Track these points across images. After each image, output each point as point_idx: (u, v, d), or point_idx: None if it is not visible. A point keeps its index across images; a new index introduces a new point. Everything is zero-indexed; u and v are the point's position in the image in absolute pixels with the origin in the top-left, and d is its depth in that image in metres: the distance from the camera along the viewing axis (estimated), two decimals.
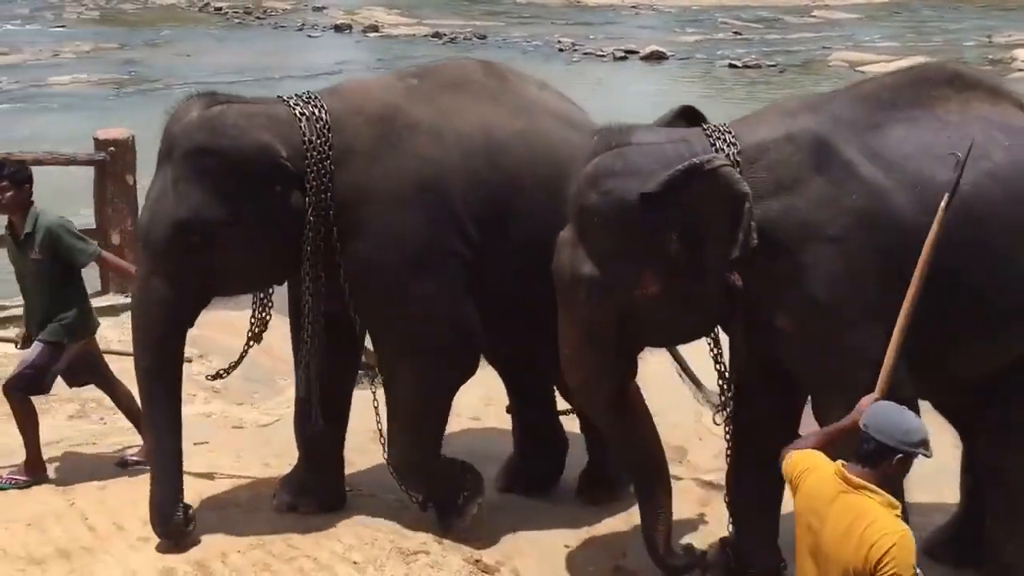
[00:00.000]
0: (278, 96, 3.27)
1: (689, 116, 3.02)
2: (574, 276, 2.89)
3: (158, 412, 3.21)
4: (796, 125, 2.90)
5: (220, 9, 23.07)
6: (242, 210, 3.05)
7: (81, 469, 3.67)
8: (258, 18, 22.90)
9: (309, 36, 20.23)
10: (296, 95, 3.24)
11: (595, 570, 3.30)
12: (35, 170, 3.72)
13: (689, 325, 3.01)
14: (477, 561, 3.24)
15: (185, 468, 3.26)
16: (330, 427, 3.37)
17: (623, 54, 17.35)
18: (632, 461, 3.15)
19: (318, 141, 3.12)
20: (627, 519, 3.50)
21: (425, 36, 19.58)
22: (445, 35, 19.44)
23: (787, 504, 2.61)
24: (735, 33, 19.97)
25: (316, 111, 3.16)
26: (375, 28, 20.52)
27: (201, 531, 3.23)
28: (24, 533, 3.25)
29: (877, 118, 2.91)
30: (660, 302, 2.85)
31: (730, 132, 2.89)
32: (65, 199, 5.29)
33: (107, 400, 3.93)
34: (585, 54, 17.63)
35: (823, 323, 2.81)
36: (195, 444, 3.71)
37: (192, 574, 3.09)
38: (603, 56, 17.39)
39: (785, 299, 2.82)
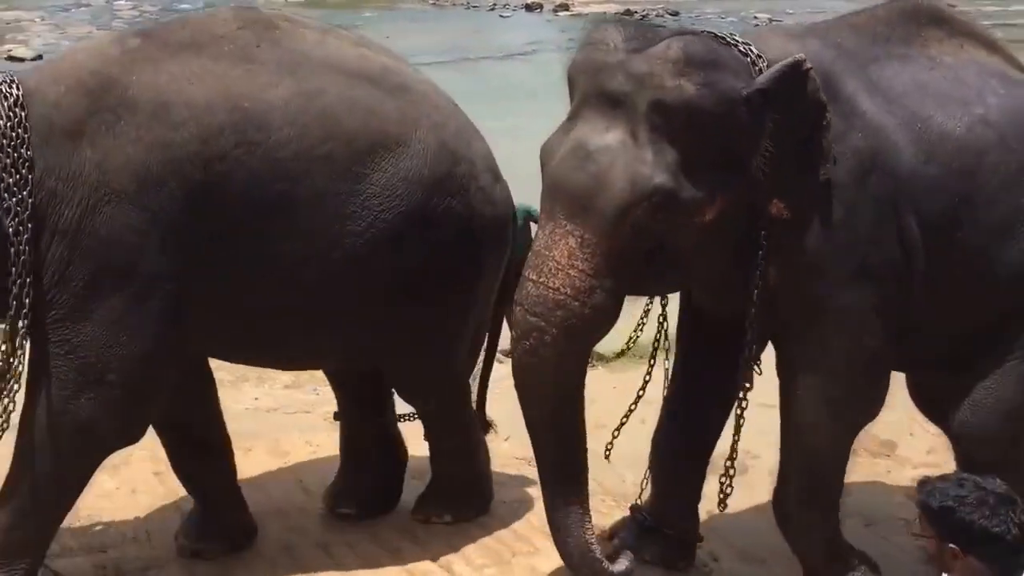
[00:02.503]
0: None
1: None
2: (623, 187, 2.39)
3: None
4: (804, 49, 2.60)
5: None
6: None
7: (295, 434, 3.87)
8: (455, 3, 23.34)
9: (501, 16, 20.52)
10: None
11: None
12: None
13: (710, 269, 2.61)
14: None
15: None
16: (213, 462, 3.04)
17: None
18: (566, 445, 2.59)
19: (3, 124, 2.46)
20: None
21: (616, 14, 19.52)
22: (636, 12, 19.31)
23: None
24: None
25: (4, 87, 2.51)
26: (565, 7, 20.60)
27: None
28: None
29: (874, 51, 2.75)
30: (706, 233, 2.48)
31: (754, 49, 2.54)
32: None
33: (319, 372, 4.11)
34: None
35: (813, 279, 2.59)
36: None
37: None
38: None
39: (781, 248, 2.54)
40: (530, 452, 2.77)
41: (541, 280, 2.47)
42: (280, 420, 4.18)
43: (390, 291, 2.79)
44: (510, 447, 3.71)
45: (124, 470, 3.55)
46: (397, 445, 3.32)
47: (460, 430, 3.20)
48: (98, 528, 3.27)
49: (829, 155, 2.49)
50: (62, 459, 2.60)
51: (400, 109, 2.78)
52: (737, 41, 2.55)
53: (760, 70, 2.49)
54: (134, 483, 3.53)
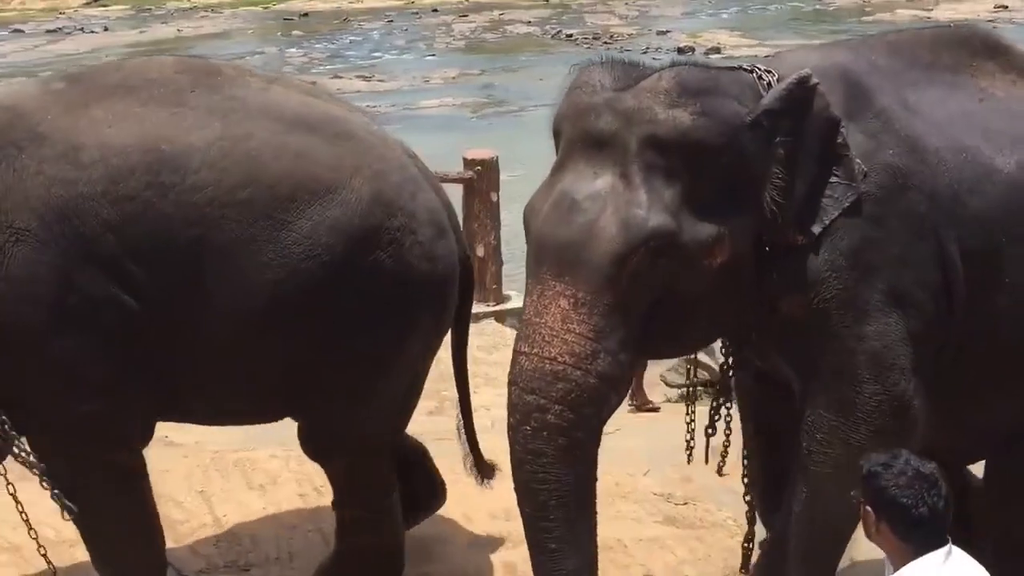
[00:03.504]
0: None
1: None
2: (615, 233, 2.15)
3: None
4: (829, 61, 2.48)
5: (571, 36, 24.23)
6: None
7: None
8: (605, 43, 23.79)
9: (653, 59, 20.64)
10: None
11: None
12: None
13: (723, 319, 2.38)
14: None
15: None
16: None
17: None
18: (576, 549, 2.27)
19: None
20: None
21: (766, 57, 19.41)
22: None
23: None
24: None
25: None
26: (717, 50, 20.75)
27: None
28: None
29: (913, 74, 2.54)
30: (717, 276, 2.23)
31: (761, 67, 2.42)
32: None
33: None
34: None
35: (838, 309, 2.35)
36: None
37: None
38: None
39: (799, 276, 2.33)
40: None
41: (534, 351, 2.18)
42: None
43: (309, 342, 2.67)
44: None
45: (271, 491, 3.67)
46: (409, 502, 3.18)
47: (369, 498, 3.01)
48: (243, 546, 3.37)
49: (854, 174, 2.30)
50: (94, 488, 2.64)
51: (337, 156, 2.66)
52: (742, 65, 2.42)
53: (769, 85, 2.34)
54: (280, 504, 3.63)
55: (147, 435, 2.75)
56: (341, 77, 19.25)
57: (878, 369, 2.35)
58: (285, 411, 2.89)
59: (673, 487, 3.82)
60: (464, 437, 3.17)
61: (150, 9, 29.90)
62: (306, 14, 28.45)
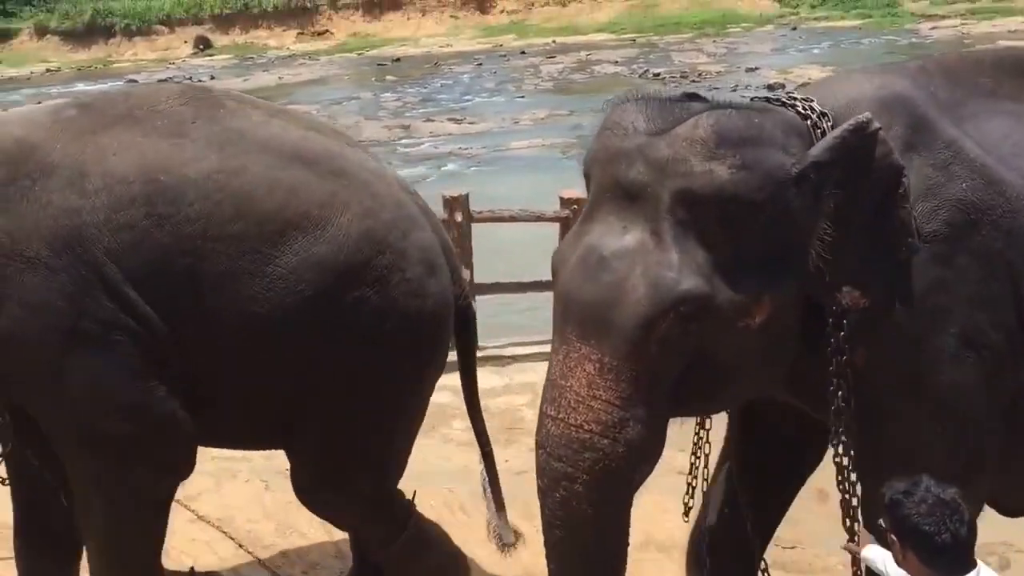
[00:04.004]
0: None
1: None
2: (643, 296, 2.01)
3: None
4: (887, 91, 2.29)
5: (659, 75, 24.39)
6: None
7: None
8: (693, 81, 23.82)
9: (742, 97, 20.65)
10: None
11: None
12: (507, 225, 4.28)
13: (763, 379, 2.22)
14: None
15: None
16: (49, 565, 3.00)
17: None
18: None
19: None
20: None
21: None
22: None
23: None
24: None
25: None
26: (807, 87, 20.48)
27: None
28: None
29: (976, 105, 2.37)
30: (755, 339, 2.08)
31: (811, 100, 2.21)
32: (534, 252, 6.10)
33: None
34: None
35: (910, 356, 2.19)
36: None
37: None
38: None
39: (869, 326, 2.14)
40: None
41: (560, 416, 2.09)
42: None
43: (295, 375, 2.68)
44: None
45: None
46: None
47: (383, 538, 2.99)
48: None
49: (911, 228, 2.13)
50: (116, 520, 2.66)
51: (329, 193, 2.68)
52: (796, 99, 2.20)
53: (823, 132, 2.14)
54: (297, 527, 3.75)
55: (191, 460, 2.74)
56: (433, 120, 19.74)
57: (951, 421, 2.22)
58: (277, 441, 2.88)
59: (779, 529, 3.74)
60: (490, 500, 3.11)
61: (252, 58, 31.23)
62: (398, 59, 29.32)
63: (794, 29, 29.68)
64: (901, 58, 22.24)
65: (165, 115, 2.69)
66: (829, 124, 2.14)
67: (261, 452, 3.49)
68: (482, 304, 5.08)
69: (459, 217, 5.94)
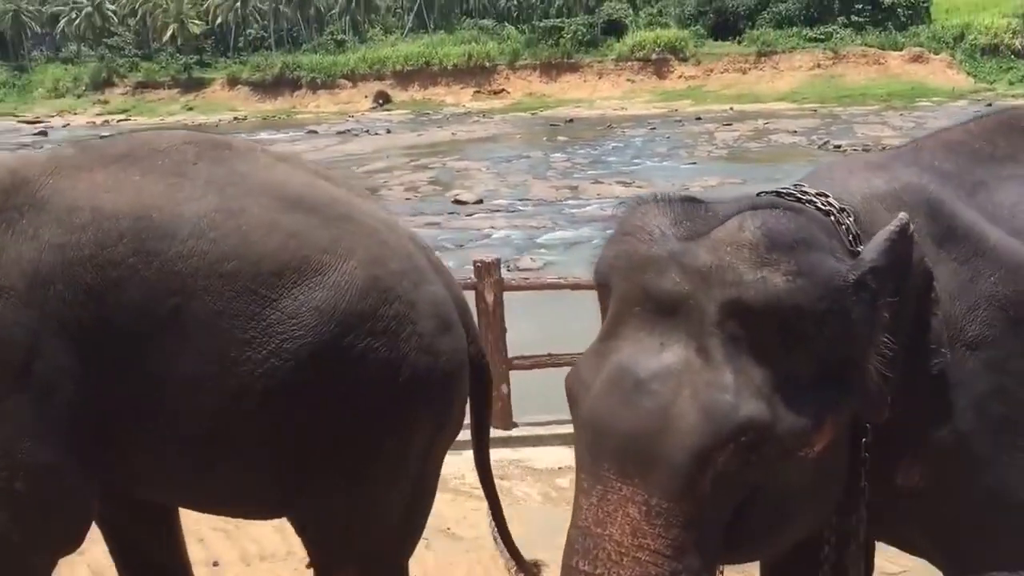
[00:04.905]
0: None
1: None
2: (697, 424, 1.78)
3: None
4: (897, 183, 2.09)
5: (839, 147, 23.76)
6: None
7: None
8: (864, 149, 23.08)
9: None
10: None
11: None
12: None
13: (823, 511, 1.99)
14: None
15: None
16: None
17: None
18: None
19: None
20: None
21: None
22: None
23: None
24: None
25: None
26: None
27: None
28: None
29: (978, 174, 2.20)
30: (810, 469, 1.85)
31: (826, 195, 2.00)
32: None
33: None
34: None
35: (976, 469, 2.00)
36: None
37: None
38: None
39: (917, 439, 1.98)
40: None
41: (599, 572, 1.79)
42: None
43: (294, 427, 2.53)
44: None
45: None
46: None
47: None
48: None
49: (943, 338, 1.96)
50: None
51: (333, 238, 2.56)
52: (809, 194, 2.00)
53: (848, 230, 1.95)
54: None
55: (78, 540, 2.58)
56: (601, 183, 19.65)
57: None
58: (277, 507, 2.72)
59: None
60: (500, 543, 2.98)
61: (428, 113, 32.03)
62: (571, 120, 29.43)
63: (989, 105, 28.19)
64: None
65: (166, 155, 2.63)
66: (851, 221, 1.98)
67: None
68: None
69: None
